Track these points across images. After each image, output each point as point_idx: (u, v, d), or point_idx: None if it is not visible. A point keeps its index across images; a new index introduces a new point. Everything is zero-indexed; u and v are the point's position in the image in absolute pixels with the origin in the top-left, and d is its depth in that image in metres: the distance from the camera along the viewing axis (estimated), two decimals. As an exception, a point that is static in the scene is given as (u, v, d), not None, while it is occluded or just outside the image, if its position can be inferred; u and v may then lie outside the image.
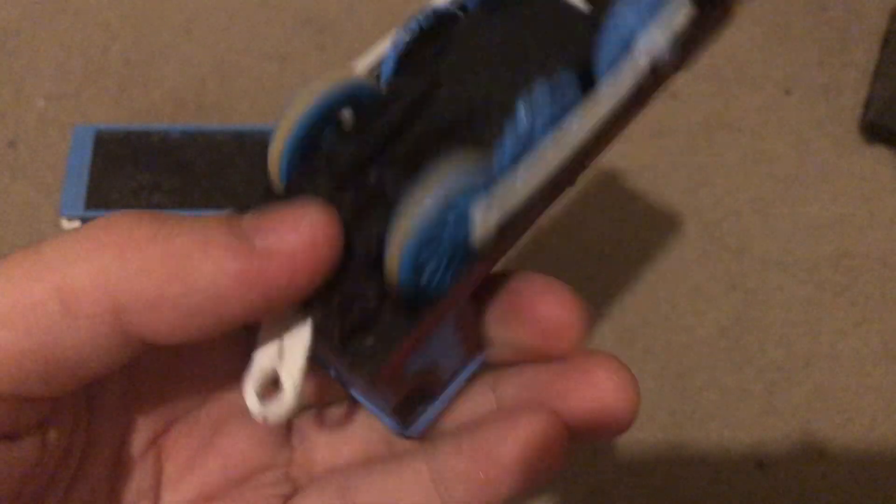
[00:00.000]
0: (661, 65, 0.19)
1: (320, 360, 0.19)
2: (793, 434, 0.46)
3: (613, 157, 0.53)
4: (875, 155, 0.54)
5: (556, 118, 0.19)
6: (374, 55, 0.21)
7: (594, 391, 0.20)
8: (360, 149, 0.19)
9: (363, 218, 0.18)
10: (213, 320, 0.17)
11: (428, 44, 0.20)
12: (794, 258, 0.51)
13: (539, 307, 0.20)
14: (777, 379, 0.47)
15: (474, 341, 0.21)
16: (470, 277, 0.19)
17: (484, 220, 0.18)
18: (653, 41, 0.19)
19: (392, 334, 0.18)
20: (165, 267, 0.16)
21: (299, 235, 0.17)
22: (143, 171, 0.44)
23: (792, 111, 0.55)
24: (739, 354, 0.48)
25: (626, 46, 0.19)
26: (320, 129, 0.19)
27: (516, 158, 0.18)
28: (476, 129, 0.19)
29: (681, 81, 0.55)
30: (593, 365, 0.20)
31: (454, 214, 0.17)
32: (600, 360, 0.20)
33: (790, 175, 0.53)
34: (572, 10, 0.21)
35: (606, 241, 0.51)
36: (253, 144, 0.45)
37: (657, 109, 0.54)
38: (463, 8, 0.21)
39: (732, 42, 0.56)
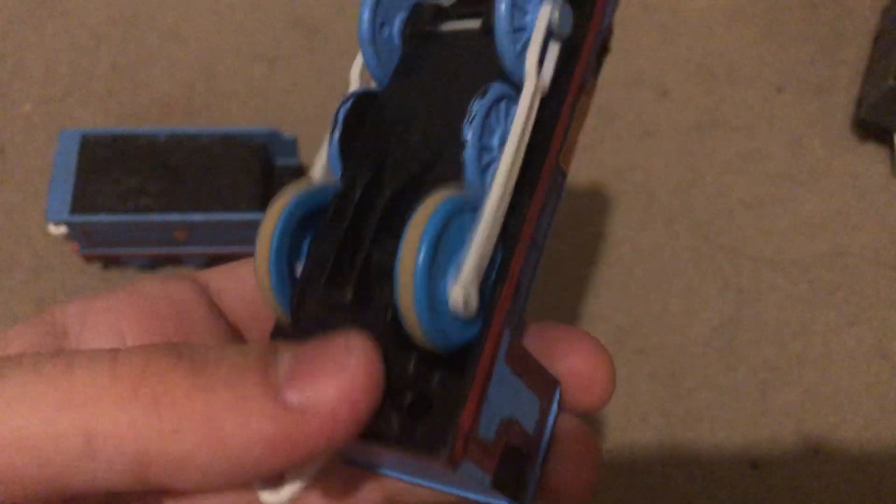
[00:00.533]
0: (563, 32, 0.20)
1: (352, 459, 0.19)
2: (787, 434, 0.46)
3: (605, 156, 0.53)
4: (867, 152, 0.53)
5: (497, 120, 0.19)
6: (321, 161, 0.21)
7: (573, 359, 0.21)
8: (339, 243, 0.19)
9: (370, 300, 0.18)
10: (239, 479, 0.16)
11: (361, 123, 0.21)
12: (787, 257, 0.50)
13: (572, 361, 0.20)
14: (770, 379, 0.47)
15: (543, 379, 0.20)
16: (498, 302, 0.18)
17: (474, 235, 0.17)
18: (543, 15, 0.20)
19: (450, 400, 0.17)
20: (199, 430, 0.15)
21: (339, 388, 0.16)
22: (130, 175, 0.44)
23: (784, 109, 0.55)
24: (732, 354, 0.48)
25: (521, 34, 0.20)
26: (296, 242, 0.19)
27: (483, 171, 0.19)
28: (437, 172, 0.19)
29: (673, 80, 0.55)
30: (573, 338, 0.21)
31: (449, 245, 0.17)
32: (579, 334, 0.21)
33: (783, 173, 0.53)
34: (470, 35, 0.21)
35: (598, 240, 0.50)
36: (240, 147, 0.45)
37: (648, 109, 0.54)
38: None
39: (724, 41, 0.56)
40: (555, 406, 0.21)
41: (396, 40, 0.22)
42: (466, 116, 0.19)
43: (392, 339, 0.18)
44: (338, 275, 0.18)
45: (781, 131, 0.54)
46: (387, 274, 0.18)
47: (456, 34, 0.21)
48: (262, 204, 0.44)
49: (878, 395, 0.47)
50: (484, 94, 0.19)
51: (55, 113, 0.52)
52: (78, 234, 0.44)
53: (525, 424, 0.20)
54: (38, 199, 0.48)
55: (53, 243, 0.47)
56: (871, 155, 0.53)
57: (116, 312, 0.20)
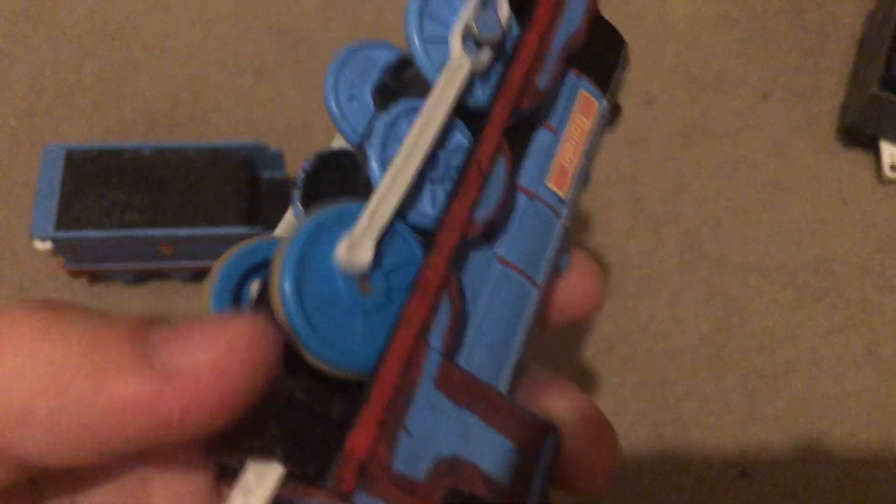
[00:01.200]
0: (490, 37, 0.20)
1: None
2: (775, 441, 0.46)
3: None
4: (853, 159, 0.54)
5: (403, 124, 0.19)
6: (286, 219, 0.21)
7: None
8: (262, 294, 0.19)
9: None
10: (93, 444, 0.14)
11: (322, 182, 0.21)
12: (773, 264, 0.50)
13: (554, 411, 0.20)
14: (759, 386, 0.47)
15: (519, 420, 0.18)
16: (405, 309, 0.17)
17: (345, 244, 0.17)
18: (460, 23, 0.20)
19: (346, 425, 0.16)
20: (39, 375, 0.14)
21: (212, 352, 0.15)
22: (115, 189, 0.44)
23: (770, 116, 0.55)
24: (721, 362, 0.48)
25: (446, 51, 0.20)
26: (238, 292, 0.19)
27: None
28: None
29: (658, 88, 0.55)
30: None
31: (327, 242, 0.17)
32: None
33: (769, 180, 0.53)
34: (417, 73, 0.21)
35: (585, 249, 0.50)
36: (226, 160, 0.45)
37: (635, 116, 0.54)
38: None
39: (710, 48, 0.56)
40: (546, 458, 0.19)
41: (370, 105, 0.22)
42: (369, 135, 0.19)
43: (288, 363, 0.16)
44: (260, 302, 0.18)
45: (767, 138, 0.54)
46: None
47: (415, 77, 0.21)
48: (249, 217, 0.44)
49: (866, 401, 0.47)
50: (388, 110, 0.19)
51: (40, 127, 0.51)
52: (63, 249, 0.44)
53: (487, 470, 0.18)
54: (23, 215, 0.48)
55: (39, 259, 0.47)
56: (857, 161, 0.53)
57: None
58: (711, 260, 0.50)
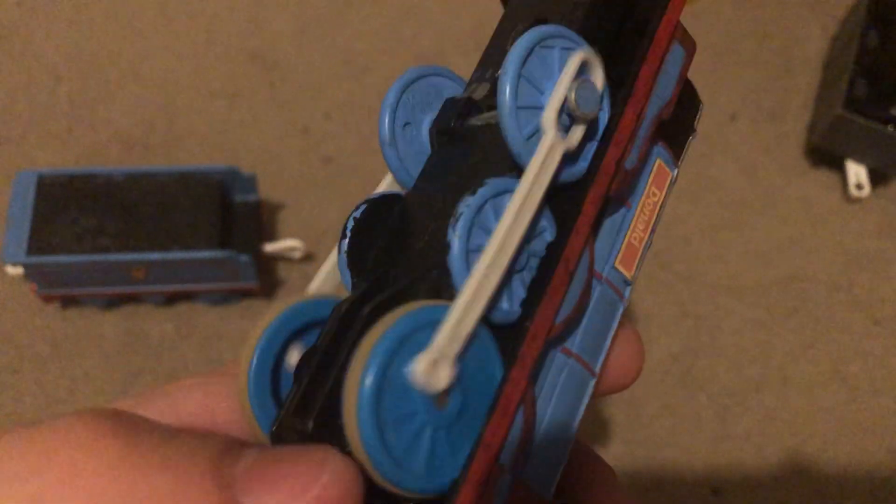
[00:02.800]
0: (586, 114, 0.18)
1: None
2: (747, 459, 0.47)
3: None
4: (820, 178, 0.54)
5: (497, 220, 0.17)
6: (325, 268, 0.20)
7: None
8: (314, 368, 0.17)
9: (338, 430, 0.16)
10: None
11: (373, 232, 0.20)
12: (743, 283, 0.51)
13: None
14: (729, 404, 0.48)
15: None
16: (483, 438, 0.16)
17: (423, 363, 0.15)
18: (553, 95, 0.17)
19: None
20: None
21: (304, 501, 0.14)
22: (87, 214, 0.44)
23: (738, 137, 0.56)
24: (692, 381, 0.48)
25: (533, 114, 0.18)
26: (279, 365, 0.18)
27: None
28: (431, 281, 0.17)
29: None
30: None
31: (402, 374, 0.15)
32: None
33: (737, 200, 0.54)
34: (492, 128, 0.19)
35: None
36: (198, 185, 0.45)
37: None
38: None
39: (678, 70, 0.57)
40: None
41: (424, 139, 0.20)
42: (452, 218, 0.17)
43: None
44: (305, 401, 0.16)
45: (736, 159, 0.55)
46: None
47: (482, 129, 0.19)
48: (221, 241, 0.44)
49: (836, 417, 0.48)
50: (474, 191, 0.17)
51: (14, 153, 0.51)
52: (35, 274, 0.44)
53: None
54: (-5, 240, 0.48)
55: (11, 284, 0.47)
56: (824, 181, 0.54)
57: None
58: (682, 280, 0.51)
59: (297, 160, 0.53)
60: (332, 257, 0.20)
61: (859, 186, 0.52)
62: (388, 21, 0.58)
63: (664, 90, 0.20)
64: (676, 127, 0.21)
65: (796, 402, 0.48)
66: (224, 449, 0.15)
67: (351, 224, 0.19)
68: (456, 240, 0.16)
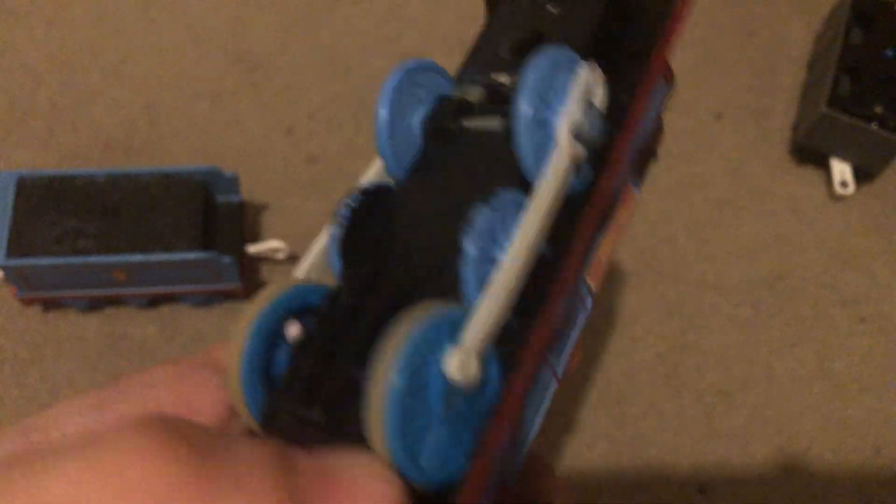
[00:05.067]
0: (590, 137, 0.18)
1: None
2: (733, 457, 0.46)
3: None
4: (805, 176, 0.54)
5: (505, 231, 0.18)
6: (313, 254, 0.20)
7: None
8: (317, 356, 0.17)
9: (346, 421, 0.17)
10: None
11: (367, 222, 0.20)
12: (729, 281, 0.51)
13: None
14: (715, 403, 0.48)
15: None
16: (489, 435, 0.17)
17: (456, 360, 0.16)
18: (567, 115, 0.18)
19: None
20: None
21: None
22: (68, 216, 0.43)
23: (723, 135, 0.56)
24: (677, 379, 0.48)
25: (544, 135, 0.18)
26: (271, 347, 0.18)
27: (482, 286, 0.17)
28: (435, 285, 0.18)
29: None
30: None
31: (429, 376, 0.16)
32: None
33: (723, 198, 0.54)
34: (492, 134, 0.20)
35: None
36: (180, 185, 0.45)
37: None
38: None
39: (663, 69, 0.57)
40: None
41: (415, 132, 0.21)
42: (467, 225, 0.17)
43: None
44: (312, 391, 0.17)
45: (721, 157, 0.55)
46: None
47: (479, 133, 0.20)
48: (203, 242, 0.44)
49: (821, 415, 0.48)
50: (488, 201, 0.18)
51: (-6, 154, 0.51)
52: (15, 277, 0.43)
53: None
54: (-25, 243, 0.48)
55: (-9, 287, 0.47)
56: (809, 178, 0.54)
57: None
58: (667, 278, 0.51)
59: (281, 160, 0.52)
60: (320, 242, 0.20)
61: (844, 184, 0.53)
62: (372, 21, 0.58)
63: (648, 120, 0.21)
64: (644, 152, 0.22)
65: (782, 400, 0.48)
66: (282, 464, 0.14)
67: (346, 212, 0.19)
68: (471, 248, 0.17)
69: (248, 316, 0.18)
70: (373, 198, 0.20)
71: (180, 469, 0.13)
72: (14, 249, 0.42)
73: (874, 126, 0.50)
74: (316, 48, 0.56)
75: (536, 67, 0.18)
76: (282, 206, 0.51)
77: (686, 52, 0.58)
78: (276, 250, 0.47)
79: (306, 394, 0.17)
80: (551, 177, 0.18)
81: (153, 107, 0.53)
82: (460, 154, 0.20)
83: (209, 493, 0.13)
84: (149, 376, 0.19)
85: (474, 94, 0.21)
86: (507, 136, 0.19)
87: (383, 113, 0.20)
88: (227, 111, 0.54)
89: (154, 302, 0.47)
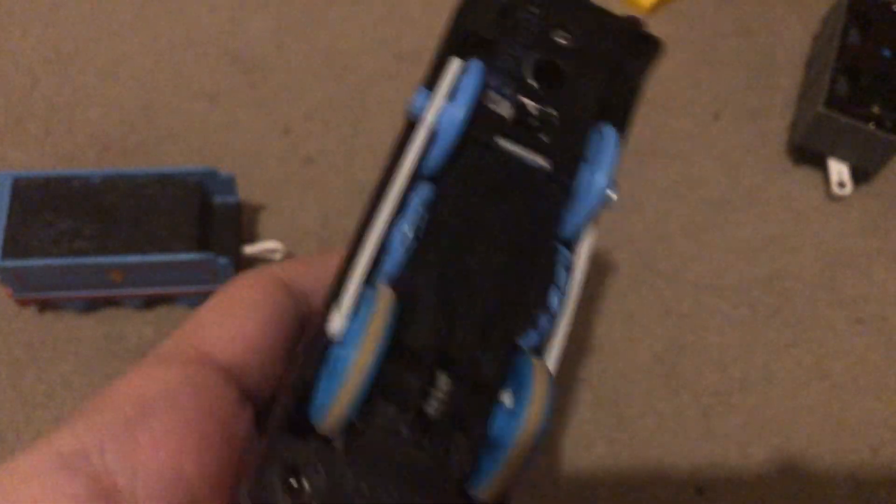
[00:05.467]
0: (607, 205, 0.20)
1: None
2: (731, 458, 0.46)
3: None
4: (802, 177, 0.54)
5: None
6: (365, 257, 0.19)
7: None
8: (419, 389, 0.18)
9: (445, 454, 0.18)
10: None
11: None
12: (726, 282, 0.51)
13: None
14: (713, 403, 0.48)
15: None
16: None
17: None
18: (605, 189, 0.20)
19: None
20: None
21: None
22: (64, 217, 0.43)
23: (721, 135, 0.56)
24: (675, 380, 0.48)
25: (593, 205, 0.20)
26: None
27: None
28: (505, 325, 0.19)
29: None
30: None
31: None
32: None
33: (720, 199, 0.53)
34: (533, 171, 0.20)
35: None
36: (176, 186, 0.45)
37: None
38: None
39: (660, 69, 0.56)
40: None
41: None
42: (550, 291, 0.20)
43: (457, 486, 0.18)
44: (427, 423, 0.18)
45: (718, 157, 0.55)
46: (467, 429, 0.18)
47: (519, 163, 0.20)
48: (200, 243, 0.44)
49: (819, 416, 0.48)
50: (556, 254, 0.20)
51: (-10, 155, 0.51)
52: (10, 278, 0.43)
53: None
54: (-29, 244, 0.48)
55: (-13, 288, 0.47)
56: (806, 179, 0.54)
57: (167, 448, 0.18)
58: (665, 279, 0.51)
59: (278, 161, 0.52)
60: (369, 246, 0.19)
61: (841, 184, 0.53)
62: (370, 21, 0.58)
63: None
64: None
65: (780, 400, 0.48)
66: None
67: (412, 226, 0.19)
68: (556, 299, 0.20)
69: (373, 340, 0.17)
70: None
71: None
72: (10, 250, 0.42)
73: (871, 126, 0.50)
74: (313, 48, 0.56)
75: (612, 157, 0.20)
76: (279, 206, 0.51)
77: (684, 52, 0.58)
78: (272, 251, 0.47)
79: (416, 425, 0.18)
80: (588, 243, 0.21)
81: (149, 107, 0.53)
82: (502, 180, 0.20)
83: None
84: (140, 374, 0.19)
85: (503, 108, 0.20)
86: (550, 183, 0.20)
87: (460, 115, 0.19)
88: (224, 112, 0.53)
89: (150, 303, 0.47)
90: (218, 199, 0.47)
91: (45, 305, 0.46)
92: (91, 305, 0.47)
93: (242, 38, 0.56)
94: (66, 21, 0.56)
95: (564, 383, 0.47)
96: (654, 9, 0.59)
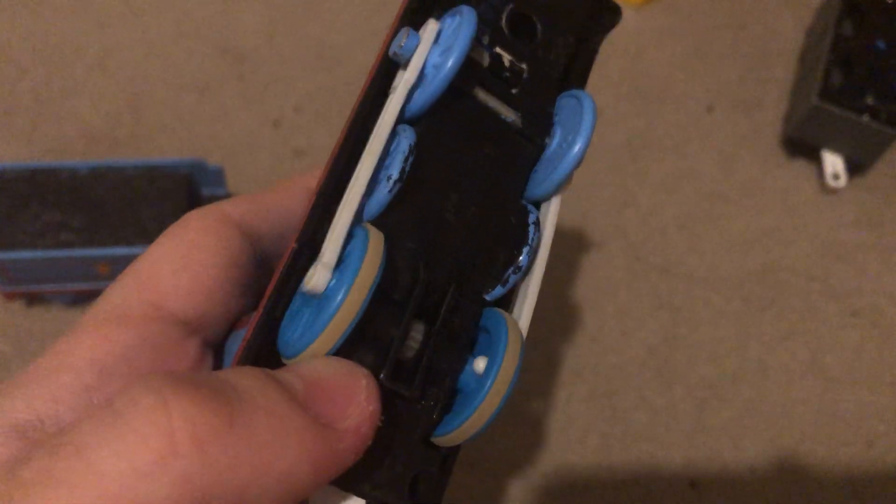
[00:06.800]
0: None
1: None
2: (724, 451, 0.46)
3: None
4: (796, 169, 0.54)
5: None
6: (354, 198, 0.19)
7: None
8: (399, 338, 0.18)
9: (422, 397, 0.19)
10: (286, 499, 0.16)
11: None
12: (720, 274, 0.51)
13: None
14: (707, 396, 0.47)
15: None
16: None
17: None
18: (582, 155, 0.20)
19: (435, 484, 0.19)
20: (251, 462, 0.15)
21: (360, 408, 0.17)
22: (51, 209, 0.43)
23: (714, 128, 0.55)
24: (668, 373, 0.48)
25: (569, 169, 0.20)
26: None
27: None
28: (479, 274, 0.20)
29: (604, 102, 0.55)
30: None
31: None
32: None
33: (714, 191, 0.53)
34: (506, 126, 0.21)
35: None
36: (164, 178, 0.44)
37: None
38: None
39: (654, 61, 0.56)
40: None
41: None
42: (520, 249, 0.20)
43: (423, 433, 0.19)
44: (402, 369, 0.18)
45: (712, 150, 0.54)
46: (440, 380, 0.19)
47: (494, 116, 0.20)
48: (188, 235, 0.43)
49: (813, 408, 0.47)
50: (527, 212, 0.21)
51: (-24, 147, 0.50)
52: (-3, 271, 0.43)
53: None
54: (-43, 237, 0.47)
55: (-27, 281, 0.46)
56: (800, 171, 0.54)
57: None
58: (658, 272, 0.50)
59: (268, 153, 0.52)
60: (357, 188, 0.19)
61: (836, 177, 0.52)
62: (360, 13, 0.57)
63: None
64: None
65: (774, 393, 0.48)
66: (272, 378, 0.16)
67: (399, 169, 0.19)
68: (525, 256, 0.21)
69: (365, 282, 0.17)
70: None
71: (210, 418, 0.15)
72: (-5, 242, 0.41)
73: (866, 118, 0.49)
74: (303, 40, 0.56)
75: (592, 125, 0.20)
76: (269, 199, 0.50)
77: (677, 44, 0.57)
78: (262, 244, 0.47)
79: (398, 371, 0.18)
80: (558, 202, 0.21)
81: (138, 99, 0.53)
82: (477, 131, 0.20)
83: (246, 430, 0.15)
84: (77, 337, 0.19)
85: (483, 59, 0.20)
86: (522, 140, 0.21)
87: (455, 64, 0.19)
88: (213, 104, 0.53)
89: (139, 296, 0.46)
90: (206, 192, 0.46)
91: (32, 299, 0.46)
92: (78, 299, 0.46)
93: (233, 29, 0.56)
94: (54, 12, 0.55)
95: (557, 376, 0.47)
96: (648, 1, 0.59)
